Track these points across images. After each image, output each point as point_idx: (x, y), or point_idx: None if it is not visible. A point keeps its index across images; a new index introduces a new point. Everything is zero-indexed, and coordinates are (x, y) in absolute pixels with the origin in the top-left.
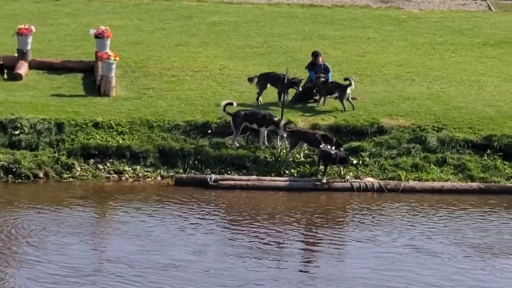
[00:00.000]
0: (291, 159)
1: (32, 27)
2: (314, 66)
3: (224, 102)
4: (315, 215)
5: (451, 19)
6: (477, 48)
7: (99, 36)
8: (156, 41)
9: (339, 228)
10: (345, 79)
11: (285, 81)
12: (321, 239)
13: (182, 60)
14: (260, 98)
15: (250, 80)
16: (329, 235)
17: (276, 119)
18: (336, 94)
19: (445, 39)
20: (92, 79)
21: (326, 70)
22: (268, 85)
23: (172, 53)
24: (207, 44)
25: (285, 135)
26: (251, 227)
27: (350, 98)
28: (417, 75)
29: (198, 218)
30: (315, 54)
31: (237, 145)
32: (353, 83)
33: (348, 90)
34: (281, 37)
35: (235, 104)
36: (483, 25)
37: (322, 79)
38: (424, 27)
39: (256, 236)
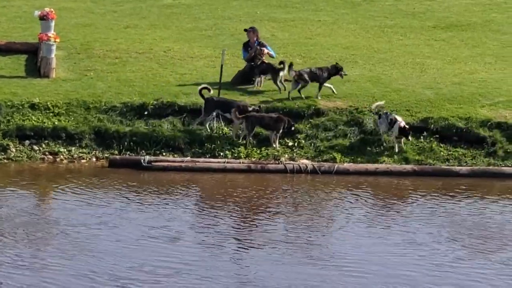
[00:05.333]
0: (246, 142)
1: None
2: (248, 46)
3: (200, 86)
4: (244, 197)
5: (405, 2)
6: (427, 31)
7: (43, 18)
8: (106, 24)
9: (268, 211)
10: (280, 63)
11: (222, 63)
12: (248, 223)
13: (128, 42)
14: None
15: None
16: (258, 218)
17: (250, 108)
18: (269, 76)
19: (396, 22)
20: (35, 61)
21: (262, 46)
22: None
23: (120, 35)
24: (156, 26)
25: (237, 121)
26: (177, 209)
27: (282, 81)
28: (361, 57)
29: (126, 199)
30: (251, 31)
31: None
32: (286, 67)
33: (281, 73)
34: (231, 20)
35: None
36: (436, 8)
37: (259, 62)
38: (377, 10)
39: (183, 220)
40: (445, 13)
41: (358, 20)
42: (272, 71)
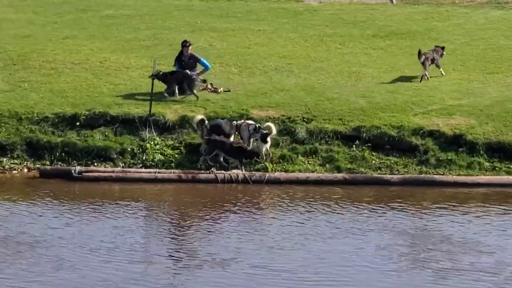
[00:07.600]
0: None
1: None
2: (181, 58)
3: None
4: (171, 207)
5: (347, 12)
6: (366, 40)
7: None
8: (45, 35)
9: (197, 222)
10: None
11: (152, 73)
12: (174, 234)
13: (65, 53)
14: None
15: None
16: (185, 229)
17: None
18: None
19: (335, 31)
20: None
21: (195, 59)
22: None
23: (57, 46)
24: (95, 37)
25: (200, 132)
26: (103, 220)
27: (196, 90)
28: (297, 66)
29: (52, 210)
30: (184, 44)
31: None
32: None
33: (196, 82)
34: (170, 30)
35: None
36: (378, 17)
37: (161, 72)
38: (318, 20)
39: (115, 233)
40: (385, 22)
41: (298, 29)
42: (189, 80)
